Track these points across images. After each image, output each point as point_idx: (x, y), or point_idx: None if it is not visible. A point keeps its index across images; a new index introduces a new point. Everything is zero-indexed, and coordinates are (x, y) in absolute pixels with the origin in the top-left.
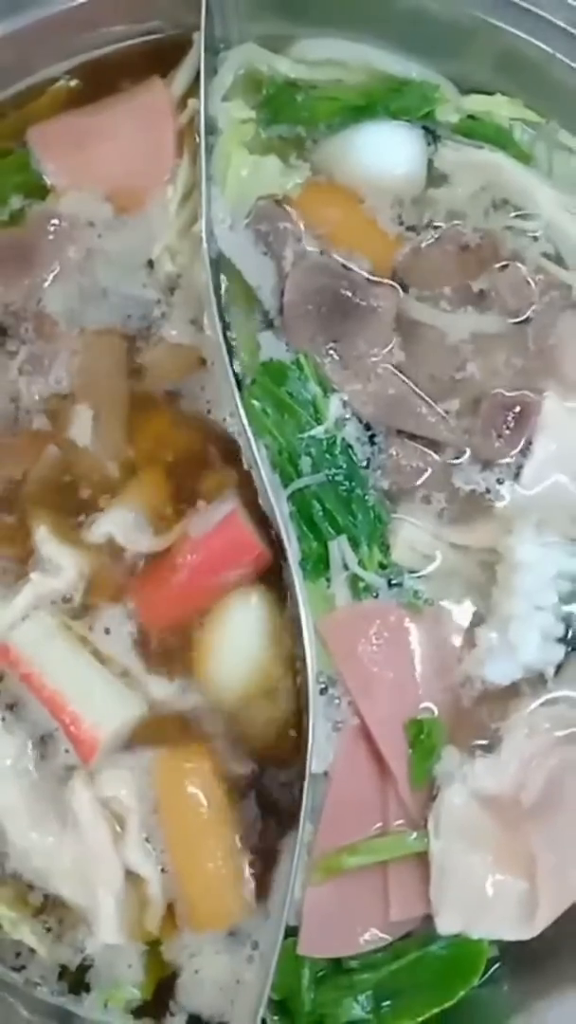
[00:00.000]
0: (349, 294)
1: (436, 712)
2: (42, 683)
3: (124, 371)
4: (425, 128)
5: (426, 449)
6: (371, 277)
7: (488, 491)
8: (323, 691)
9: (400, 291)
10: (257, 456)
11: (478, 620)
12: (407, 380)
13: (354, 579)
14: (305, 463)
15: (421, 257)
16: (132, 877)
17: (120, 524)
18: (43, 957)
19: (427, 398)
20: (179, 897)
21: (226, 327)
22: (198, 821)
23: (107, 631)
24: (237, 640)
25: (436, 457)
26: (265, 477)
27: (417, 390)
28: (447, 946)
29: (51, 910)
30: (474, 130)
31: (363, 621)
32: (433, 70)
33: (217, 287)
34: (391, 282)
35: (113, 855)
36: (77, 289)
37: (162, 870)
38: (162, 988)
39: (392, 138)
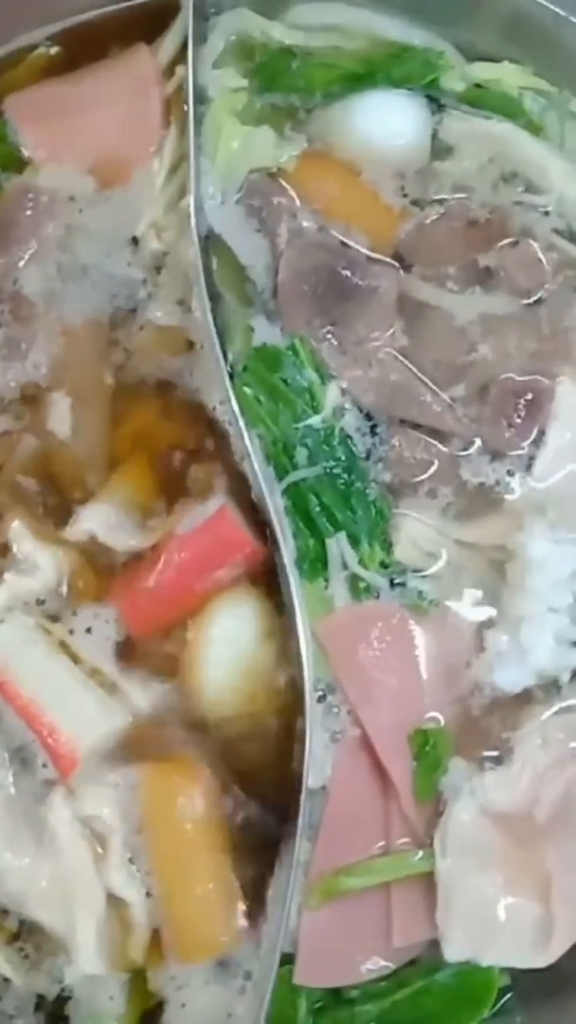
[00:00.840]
0: (348, 273)
1: (442, 721)
2: (17, 691)
3: (106, 357)
4: (429, 97)
5: (431, 440)
6: (371, 255)
7: (498, 484)
8: (321, 699)
9: (401, 270)
10: (249, 447)
11: (487, 623)
12: (411, 366)
13: (354, 579)
14: (301, 455)
15: (425, 233)
16: (114, 901)
17: (102, 520)
18: (18, 987)
19: (432, 385)
20: (165, 923)
21: (216, 309)
22: (186, 841)
23: (88, 634)
24: (228, 645)
25: (442, 448)
26: (258, 470)
27: (422, 376)
28: (455, 974)
29: (27, 936)
30: (481, 99)
31: (364, 624)
32: (437, 36)
33: (207, 266)
34: (392, 261)
35: (94, 877)
36: (56, 268)
37: (147, 894)
38: (146, 1021)
39: (394, 107)
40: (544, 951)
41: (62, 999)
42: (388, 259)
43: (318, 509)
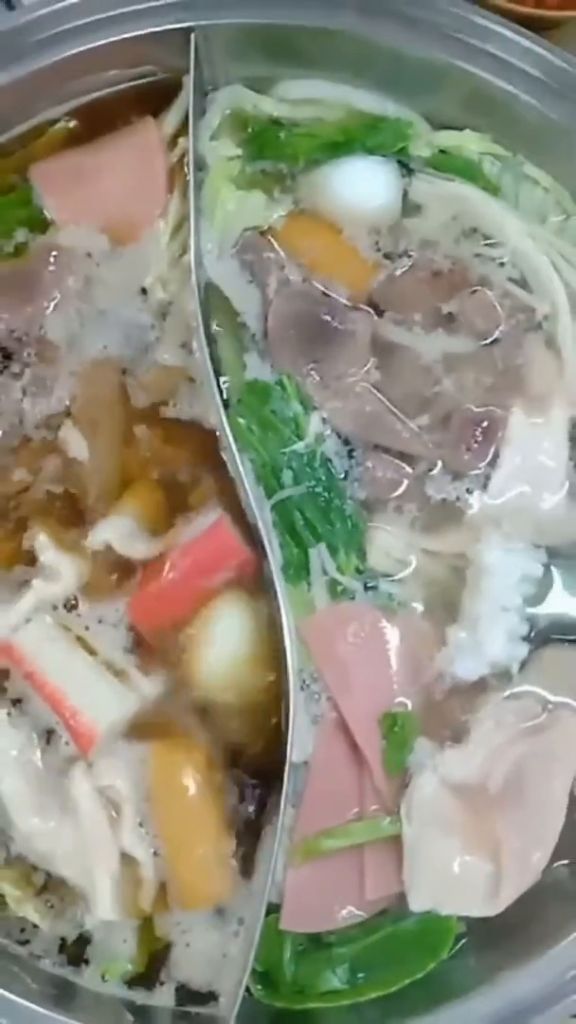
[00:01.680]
0: (328, 318)
1: (409, 706)
2: (44, 680)
3: (120, 392)
4: (400, 162)
5: (400, 462)
6: (348, 303)
7: (458, 500)
8: (304, 687)
9: (375, 315)
10: (242, 470)
11: (448, 620)
12: (383, 398)
13: (333, 583)
14: (287, 476)
15: (396, 283)
16: (127, 859)
17: (117, 532)
18: (45, 932)
19: (401, 415)
20: (170, 877)
21: (213, 350)
22: (187, 808)
23: (103, 632)
24: (224, 640)
25: (409, 469)
26: (249, 489)
27: (392, 407)
28: (418, 922)
29: (53, 889)
30: (445, 163)
31: (341, 622)
32: (407, 107)
33: (205, 313)
34: (366, 307)
35: (110, 839)
36: (77, 315)
37: (154, 853)
38: (154, 960)
39: (369, 171)
40: (493, 903)
41: (83, 942)
42: (364, 306)
43: (302, 523)
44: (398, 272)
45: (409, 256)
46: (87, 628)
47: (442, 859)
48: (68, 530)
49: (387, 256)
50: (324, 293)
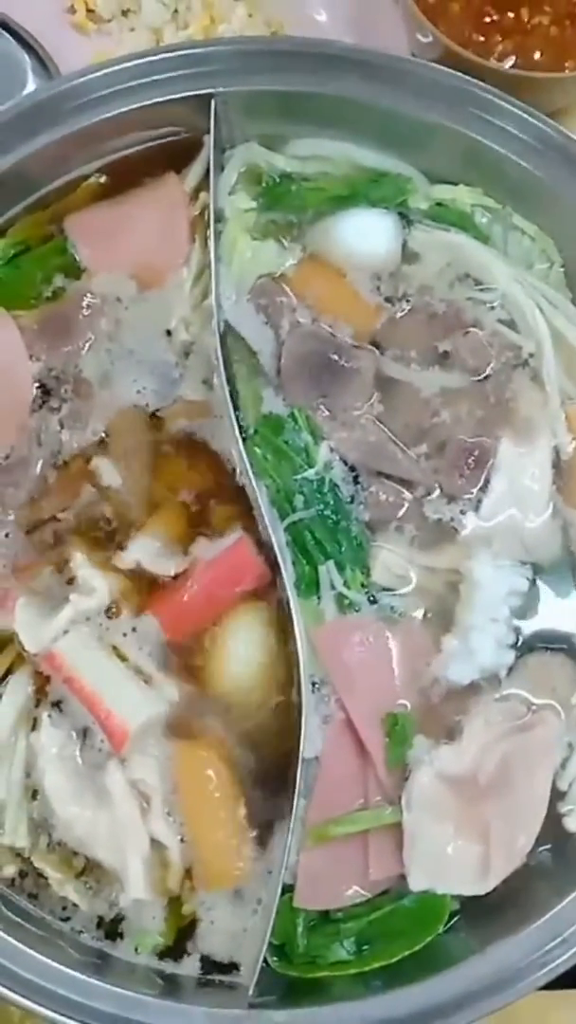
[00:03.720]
0: (336, 357)
1: (408, 707)
2: (81, 685)
3: (147, 426)
4: (400, 214)
5: (400, 487)
6: (353, 343)
7: (453, 520)
8: (314, 690)
9: (378, 354)
10: (259, 495)
11: (443, 630)
12: (385, 429)
13: (340, 597)
14: (299, 500)
15: (396, 324)
16: (156, 845)
17: (146, 551)
18: (84, 910)
19: (401, 444)
20: (195, 861)
21: (232, 386)
22: (210, 799)
23: (133, 640)
24: (242, 648)
25: (409, 494)
26: (265, 512)
27: (393, 437)
28: (416, 900)
29: (90, 872)
30: (441, 215)
31: (348, 632)
32: (406, 163)
33: (225, 352)
34: (370, 347)
35: (141, 826)
36: (108, 355)
37: (181, 839)
38: (182, 935)
39: (372, 222)
40: (483, 882)
41: (117, 919)
42: (367, 345)
43: (312, 543)
44: (398, 315)
45: (408, 300)
46: (121, 638)
47: (438, 844)
48: (102, 550)
49: (388, 299)
50: (331, 333)
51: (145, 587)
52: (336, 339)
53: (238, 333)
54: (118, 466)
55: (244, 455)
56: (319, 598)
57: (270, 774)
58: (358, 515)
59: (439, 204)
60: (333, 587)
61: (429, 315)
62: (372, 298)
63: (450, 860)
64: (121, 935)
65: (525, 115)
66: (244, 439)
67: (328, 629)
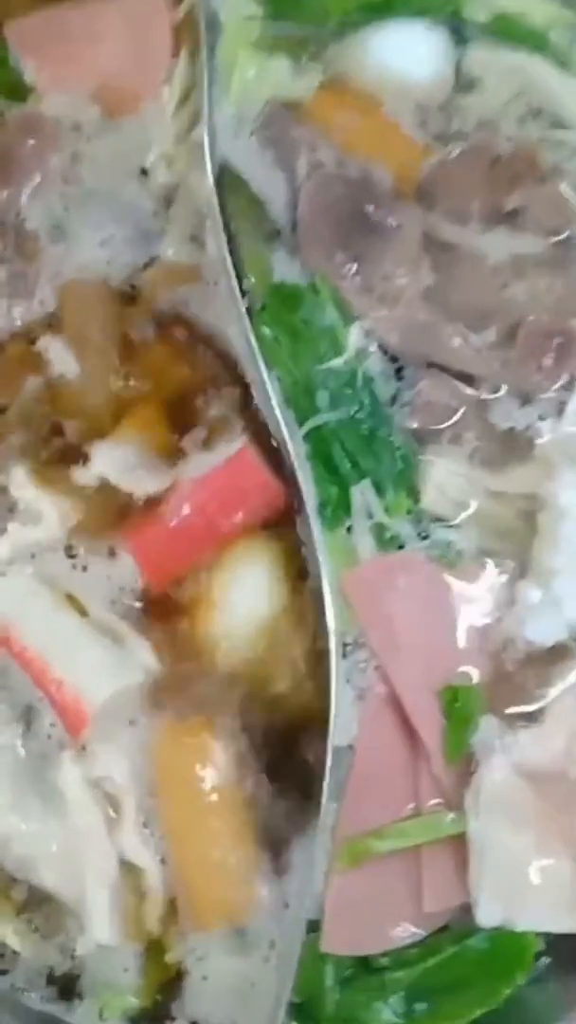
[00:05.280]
0: (371, 209)
1: (473, 677)
2: (22, 647)
3: (114, 296)
4: (452, 27)
5: (458, 383)
6: (392, 192)
7: (528, 429)
8: (346, 654)
9: (423, 210)
10: (269, 390)
11: (518, 574)
12: (437, 306)
13: (379, 528)
14: (322, 398)
15: (449, 170)
16: (128, 868)
17: (114, 463)
18: (28, 959)
19: (460, 327)
20: (180, 888)
21: (232, 245)
22: (202, 804)
23: (98, 589)
24: (246, 597)
25: (470, 391)
26: (278, 413)
27: (448, 318)
28: (488, 940)
29: (36, 905)
30: (507, 30)
31: (390, 576)
32: None
33: (221, 199)
34: (413, 201)
35: (106, 842)
36: (61, 200)
37: (161, 860)
38: (164, 994)
39: (414, 37)
40: None
41: (73, 974)
42: (411, 196)
43: (341, 455)
44: (451, 157)
45: (464, 139)
46: (77, 583)
47: (516, 862)
48: (52, 463)
49: (437, 138)
50: (364, 178)
51: (114, 514)
52: (370, 185)
53: (239, 175)
54: (73, 349)
55: (250, 337)
56: (350, 529)
57: (286, 769)
58: (402, 421)
59: (503, 17)
60: (370, 515)
61: (491, 160)
62: (417, 135)
63: (533, 885)
64: (79, 995)
65: None
66: (249, 316)
67: (364, 572)
